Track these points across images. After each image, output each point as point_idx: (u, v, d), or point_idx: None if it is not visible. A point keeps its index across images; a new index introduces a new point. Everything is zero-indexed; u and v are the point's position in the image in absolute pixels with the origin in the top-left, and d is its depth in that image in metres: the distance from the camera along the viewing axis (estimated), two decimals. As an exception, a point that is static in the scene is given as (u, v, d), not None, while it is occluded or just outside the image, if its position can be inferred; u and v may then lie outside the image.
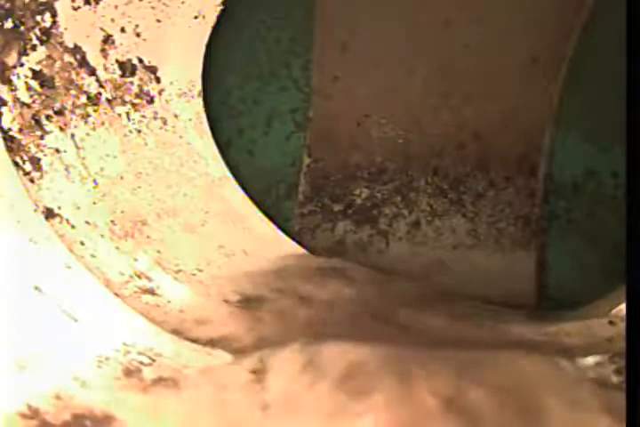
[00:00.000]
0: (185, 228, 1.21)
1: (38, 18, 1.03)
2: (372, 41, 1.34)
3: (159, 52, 1.21)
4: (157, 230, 1.17)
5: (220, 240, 1.24)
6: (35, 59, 1.03)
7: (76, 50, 1.09)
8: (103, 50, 1.14)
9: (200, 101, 1.29)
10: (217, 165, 1.30)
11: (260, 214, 1.33)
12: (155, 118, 1.22)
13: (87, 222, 1.07)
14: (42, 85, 1.05)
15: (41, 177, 1.03)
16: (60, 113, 1.07)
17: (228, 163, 1.32)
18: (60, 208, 1.04)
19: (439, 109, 1.35)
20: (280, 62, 1.37)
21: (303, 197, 1.38)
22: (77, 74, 1.10)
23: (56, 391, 0.85)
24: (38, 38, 1.04)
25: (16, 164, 0.99)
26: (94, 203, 1.10)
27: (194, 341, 1.00)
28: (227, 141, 1.35)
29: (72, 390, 0.86)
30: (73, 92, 1.09)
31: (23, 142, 1.02)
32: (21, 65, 1.02)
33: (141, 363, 0.93)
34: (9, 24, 0.99)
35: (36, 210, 0.98)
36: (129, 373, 0.91)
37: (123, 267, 1.08)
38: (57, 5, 1.05)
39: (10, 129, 1.01)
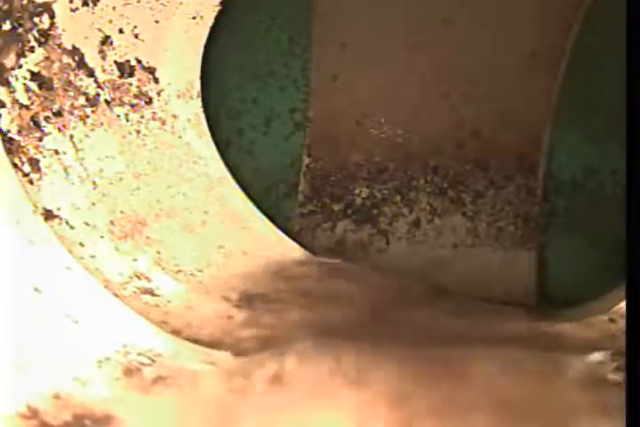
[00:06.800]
0: (184, 228, 1.21)
1: (36, 19, 1.03)
2: (370, 40, 1.34)
3: (157, 52, 1.21)
4: (157, 231, 1.17)
5: (219, 240, 1.24)
6: (33, 60, 1.04)
7: (74, 51, 1.10)
8: (101, 51, 1.14)
9: (199, 102, 1.29)
10: (216, 166, 1.30)
11: (260, 214, 1.33)
12: (153, 119, 1.22)
13: (86, 223, 1.08)
14: (40, 87, 1.05)
15: (40, 178, 1.03)
16: (58, 114, 1.07)
17: (227, 163, 1.32)
18: (59, 209, 1.04)
19: (438, 108, 1.35)
20: (279, 62, 1.37)
21: (303, 197, 1.38)
22: (76, 75, 1.10)
23: (56, 391, 0.85)
24: (36, 40, 1.04)
25: (15, 165, 1.00)
26: (93, 204, 1.10)
27: (194, 341, 1.01)
28: (226, 142, 1.35)
29: (72, 390, 0.86)
30: (71, 93, 1.10)
31: (22, 144, 1.02)
32: (20, 67, 1.02)
33: (141, 363, 0.93)
34: (7, 26, 1.00)
35: (35, 211, 0.98)
36: (129, 373, 0.91)
37: (122, 267, 1.09)
38: (55, 7, 1.05)
39: (9, 131, 1.01)
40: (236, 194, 1.31)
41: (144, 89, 1.21)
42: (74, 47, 1.10)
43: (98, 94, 1.14)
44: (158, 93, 1.23)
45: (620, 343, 0.99)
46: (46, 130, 1.06)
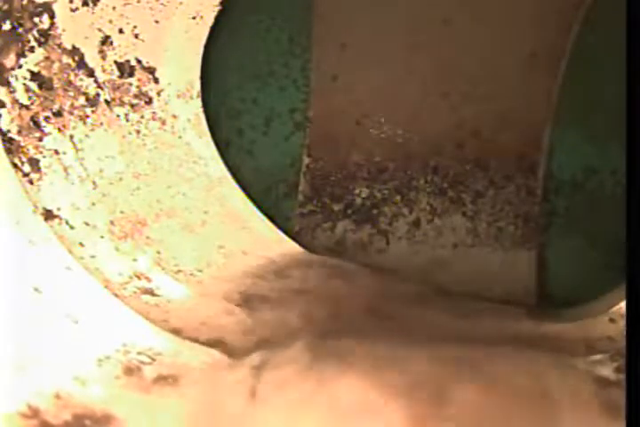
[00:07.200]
0: (184, 228, 1.21)
1: (36, 19, 1.03)
2: (370, 40, 1.34)
3: (157, 52, 1.21)
4: (157, 231, 1.17)
5: (219, 240, 1.24)
6: (33, 60, 1.04)
7: (74, 51, 1.10)
8: (101, 51, 1.14)
9: (199, 102, 1.29)
10: (216, 166, 1.30)
11: (260, 214, 1.32)
12: (153, 119, 1.22)
13: (86, 223, 1.08)
14: (40, 87, 1.05)
15: (40, 178, 1.03)
16: (58, 114, 1.08)
17: (227, 163, 1.32)
18: (59, 209, 1.04)
19: (438, 108, 1.35)
20: (279, 62, 1.37)
21: (303, 197, 1.38)
22: (76, 75, 1.10)
23: (56, 391, 0.85)
24: (36, 40, 1.04)
25: (15, 165, 1.00)
26: (93, 204, 1.10)
27: (194, 341, 1.01)
28: (226, 142, 1.35)
29: (72, 389, 0.87)
30: (71, 93, 1.10)
31: (22, 144, 1.02)
32: (20, 67, 1.02)
33: (142, 362, 0.94)
34: (7, 26, 1.00)
35: (34, 211, 0.98)
36: (129, 372, 0.92)
37: (122, 267, 1.09)
38: (55, 7, 1.05)
39: (8, 131, 1.01)
40: (236, 194, 1.31)
41: (144, 89, 1.21)
42: (74, 47, 1.10)
43: (98, 94, 1.14)
44: (158, 93, 1.23)
45: (619, 344, 1.00)
46: (46, 130, 1.06)
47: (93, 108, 1.13)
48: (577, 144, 1.31)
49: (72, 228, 1.05)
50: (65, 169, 1.07)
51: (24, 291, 0.91)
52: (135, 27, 1.17)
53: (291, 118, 1.38)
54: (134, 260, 1.11)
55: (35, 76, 1.04)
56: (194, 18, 1.23)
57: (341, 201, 1.38)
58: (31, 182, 1.02)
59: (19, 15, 1.01)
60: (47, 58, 1.06)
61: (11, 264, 0.91)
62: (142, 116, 1.21)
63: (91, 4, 1.10)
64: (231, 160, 1.33)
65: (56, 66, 1.07)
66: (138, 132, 1.20)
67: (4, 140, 0.99)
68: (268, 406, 0.88)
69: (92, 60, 1.13)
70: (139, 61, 1.19)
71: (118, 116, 1.17)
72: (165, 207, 1.20)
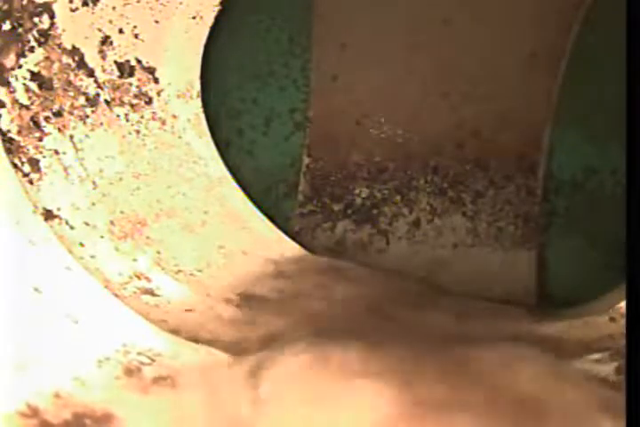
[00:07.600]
0: (184, 228, 1.21)
1: (36, 19, 1.03)
2: (371, 40, 1.34)
3: (157, 52, 1.21)
4: (157, 231, 1.17)
5: (219, 240, 1.24)
6: (33, 60, 1.04)
7: (74, 51, 1.09)
8: (101, 51, 1.14)
9: (199, 102, 1.29)
10: (216, 166, 1.30)
11: (260, 214, 1.33)
12: (153, 119, 1.22)
13: (86, 223, 1.08)
14: (40, 87, 1.05)
15: (40, 178, 1.03)
16: (58, 114, 1.07)
17: (227, 163, 1.32)
18: (59, 209, 1.04)
19: (438, 108, 1.35)
20: (279, 62, 1.37)
21: (303, 197, 1.38)
22: (76, 75, 1.10)
23: (56, 391, 0.85)
24: (36, 40, 1.04)
25: (15, 165, 1.00)
26: (93, 204, 1.10)
27: (194, 341, 1.01)
28: (226, 142, 1.35)
29: (72, 389, 0.86)
30: (71, 93, 1.10)
31: (22, 144, 1.02)
32: (19, 67, 1.02)
33: (141, 363, 0.93)
34: (7, 26, 1.00)
35: (34, 211, 0.98)
36: (129, 372, 0.92)
37: (122, 268, 1.08)
38: (55, 7, 1.05)
39: (8, 131, 1.01)
40: (235, 194, 1.31)
41: (144, 89, 1.21)
42: (74, 47, 1.10)
43: (98, 94, 1.14)
44: (158, 93, 1.23)
45: (619, 343, 1.00)
46: (46, 130, 1.06)
47: (93, 108, 1.13)
48: (577, 144, 1.31)
49: (72, 228, 1.05)
50: (65, 169, 1.07)
51: (24, 291, 0.91)
52: (135, 27, 1.17)
53: (291, 118, 1.38)
54: (134, 260, 1.11)
55: (35, 76, 1.04)
56: (194, 18, 1.23)
57: (341, 201, 1.38)
58: (31, 182, 1.02)
59: (19, 15, 1.01)
60: (47, 58, 1.06)
61: (11, 264, 0.91)
62: (142, 116, 1.21)
63: (91, 4, 1.10)
64: (231, 160, 1.33)
65: (56, 66, 1.07)
66: (138, 132, 1.20)
67: (4, 141, 0.99)
68: (269, 406, 0.88)
69: (91, 60, 1.12)
70: (139, 61, 1.19)
71: (118, 116, 1.17)
72: (165, 207, 1.20)
